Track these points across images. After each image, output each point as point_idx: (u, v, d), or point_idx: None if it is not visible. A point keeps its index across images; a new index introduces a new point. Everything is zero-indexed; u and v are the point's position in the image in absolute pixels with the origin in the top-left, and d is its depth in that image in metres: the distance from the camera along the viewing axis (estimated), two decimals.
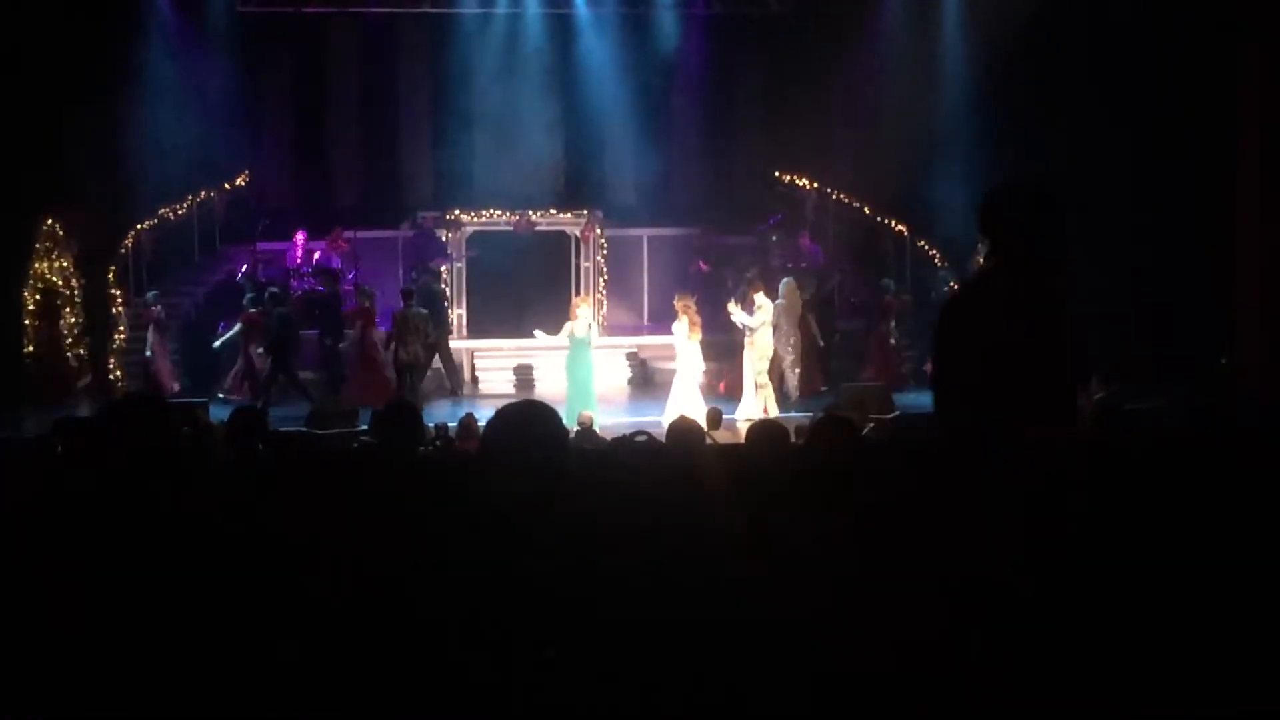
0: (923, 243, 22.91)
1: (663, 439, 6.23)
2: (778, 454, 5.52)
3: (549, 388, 19.30)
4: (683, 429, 5.89)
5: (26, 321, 20.15)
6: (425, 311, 19.24)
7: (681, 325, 16.83)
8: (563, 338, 16.63)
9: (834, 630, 3.71)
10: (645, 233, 23.67)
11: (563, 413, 16.52)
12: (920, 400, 18.57)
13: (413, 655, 3.50)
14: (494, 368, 21.18)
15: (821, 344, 20.21)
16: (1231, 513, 4.59)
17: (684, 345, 16.78)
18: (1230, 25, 18.13)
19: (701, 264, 22.75)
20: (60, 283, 20.45)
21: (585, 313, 16.71)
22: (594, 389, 16.59)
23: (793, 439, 8.01)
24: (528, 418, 3.74)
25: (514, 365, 21.03)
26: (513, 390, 20.35)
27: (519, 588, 3.48)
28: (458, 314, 22.51)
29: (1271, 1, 17.68)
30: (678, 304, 17.07)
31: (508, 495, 3.60)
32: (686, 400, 16.31)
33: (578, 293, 23.09)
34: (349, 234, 22.11)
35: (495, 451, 3.69)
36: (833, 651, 3.65)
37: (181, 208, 22.30)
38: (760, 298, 17.86)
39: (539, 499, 3.59)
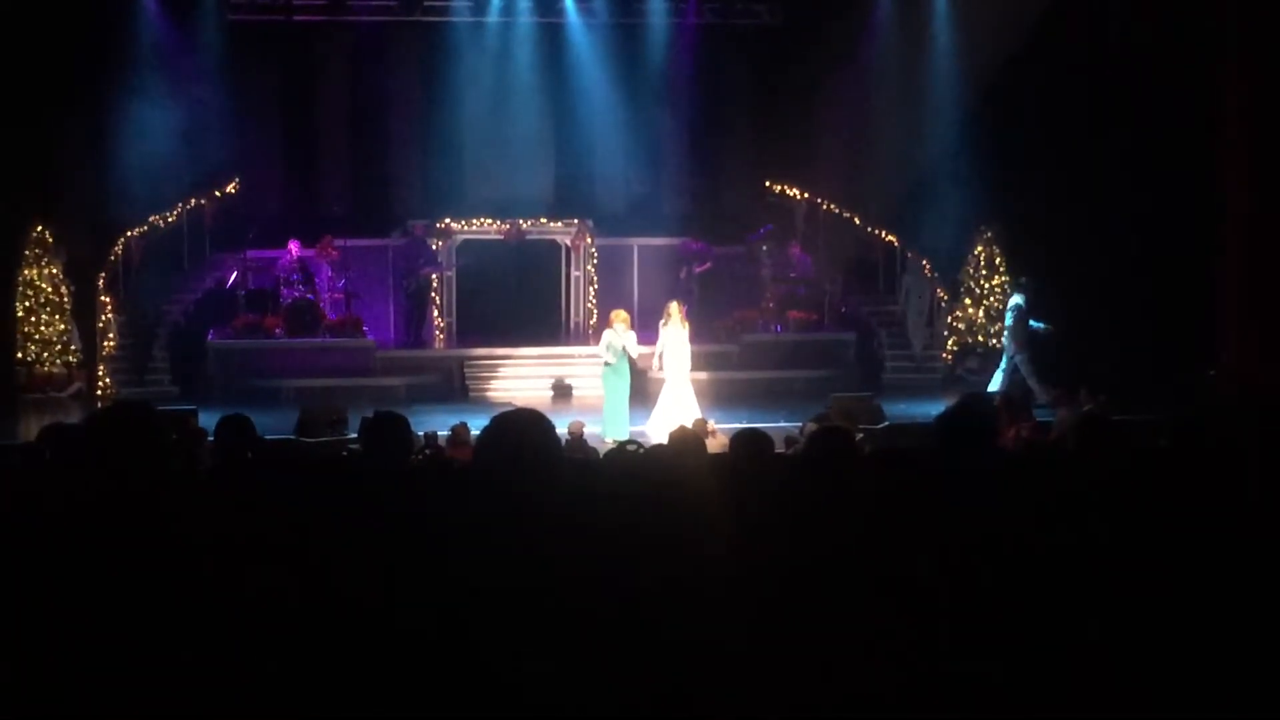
0: (912, 253, 22.98)
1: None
2: (766, 463, 5.52)
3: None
4: (682, 438, 5.88)
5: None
6: None
7: (683, 330, 16.71)
8: (602, 349, 16.47)
9: (827, 640, 3.71)
10: (635, 242, 23.68)
11: (599, 425, 16.38)
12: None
13: (402, 664, 3.49)
14: (485, 375, 21.16)
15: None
16: (1216, 524, 4.60)
17: (682, 349, 16.65)
18: (1214, 46, 18.23)
19: (695, 267, 22.76)
20: (50, 290, 20.43)
21: (620, 324, 16.48)
22: (627, 400, 16.38)
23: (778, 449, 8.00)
24: (523, 426, 3.74)
25: (509, 384, 20.95)
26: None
27: (509, 596, 3.47)
28: (447, 322, 22.49)
29: (1251, 26, 17.80)
30: (679, 309, 16.93)
31: (500, 503, 3.59)
32: (684, 406, 16.15)
33: (568, 302, 23.13)
34: (339, 242, 22.10)
35: (489, 459, 3.68)
36: (825, 660, 3.65)
37: (171, 215, 22.25)
38: None
39: (531, 507, 3.59)
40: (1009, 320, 19.08)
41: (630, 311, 22.49)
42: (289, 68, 24.48)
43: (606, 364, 16.29)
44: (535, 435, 3.72)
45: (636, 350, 16.41)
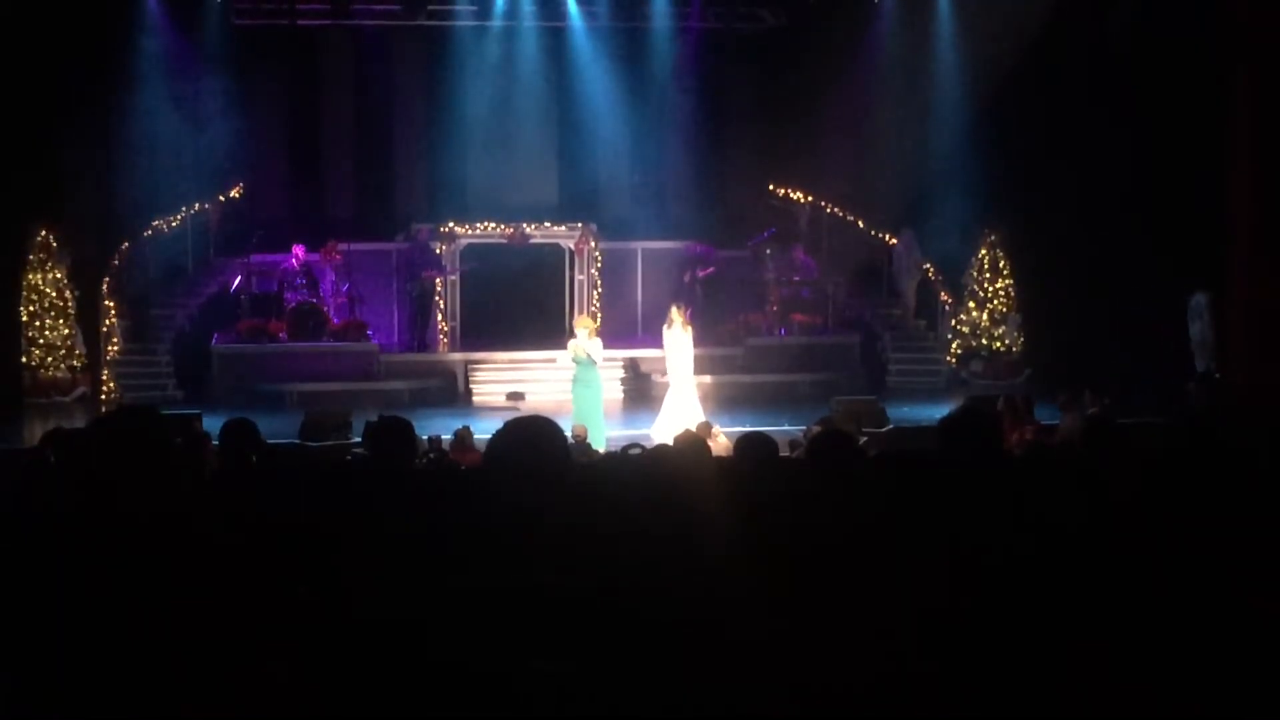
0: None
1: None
2: (769, 467, 5.53)
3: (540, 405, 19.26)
4: (685, 442, 5.89)
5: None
6: None
7: (686, 334, 16.64)
8: (568, 357, 16.36)
9: (828, 641, 3.71)
10: (639, 245, 23.68)
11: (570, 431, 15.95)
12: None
13: (409, 667, 3.49)
14: (489, 380, 21.14)
15: None
16: (1221, 527, 4.60)
17: (685, 353, 16.60)
18: (1225, 49, 18.20)
19: (699, 271, 22.74)
20: (54, 294, 20.46)
21: (583, 331, 16.39)
22: (601, 407, 16.28)
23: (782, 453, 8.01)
24: (535, 432, 3.75)
25: (509, 388, 20.86)
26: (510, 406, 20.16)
27: (516, 598, 3.48)
28: (451, 326, 22.49)
29: (1264, 27, 17.78)
30: (681, 313, 16.85)
31: (508, 506, 3.60)
32: (688, 409, 16.11)
33: (572, 305, 23.10)
34: (343, 246, 22.11)
35: (501, 463, 3.69)
36: (827, 662, 3.65)
37: (175, 219, 22.28)
38: None
39: (540, 511, 3.59)
40: (1198, 321, 18.66)
41: (634, 315, 22.64)
42: (293, 72, 24.52)
43: (576, 373, 16.14)
44: (546, 440, 3.73)
45: (601, 357, 16.33)
